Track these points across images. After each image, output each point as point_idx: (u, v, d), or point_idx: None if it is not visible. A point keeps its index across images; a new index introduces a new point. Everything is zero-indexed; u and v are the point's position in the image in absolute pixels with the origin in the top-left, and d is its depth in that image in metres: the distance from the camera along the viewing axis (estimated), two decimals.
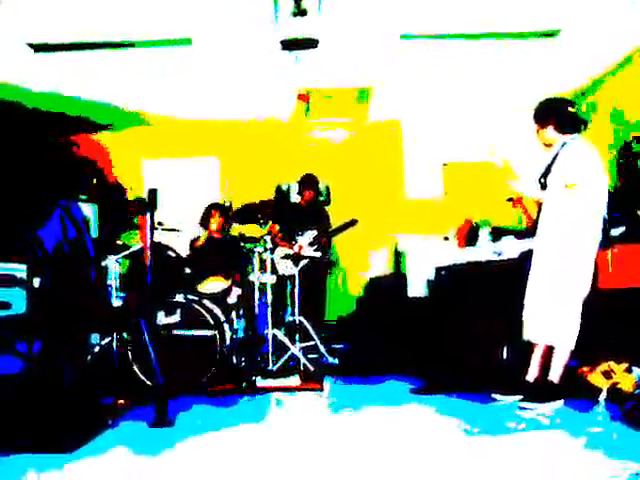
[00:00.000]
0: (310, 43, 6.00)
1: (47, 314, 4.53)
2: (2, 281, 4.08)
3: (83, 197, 6.09)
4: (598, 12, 5.77)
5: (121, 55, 6.45)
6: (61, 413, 3.69)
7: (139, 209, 4.30)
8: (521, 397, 4.30)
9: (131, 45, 6.18)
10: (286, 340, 6.01)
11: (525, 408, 4.17)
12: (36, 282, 4.52)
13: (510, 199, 6.34)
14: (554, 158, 4.45)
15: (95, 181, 7.68)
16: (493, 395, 4.51)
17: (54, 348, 4.49)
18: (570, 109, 4.51)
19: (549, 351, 4.36)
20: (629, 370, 4.30)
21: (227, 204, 6.90)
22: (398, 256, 8.48)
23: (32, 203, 4.87)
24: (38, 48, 6.17)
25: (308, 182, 7.61)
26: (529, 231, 4.78)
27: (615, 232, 4.70)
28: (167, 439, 3.61)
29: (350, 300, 8.55)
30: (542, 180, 4.48)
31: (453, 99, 8.26)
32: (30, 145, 7.26)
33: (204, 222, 6.64)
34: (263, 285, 5.94)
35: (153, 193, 4.22)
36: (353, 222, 6.97)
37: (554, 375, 4.28)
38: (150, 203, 4.21)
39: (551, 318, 4.29)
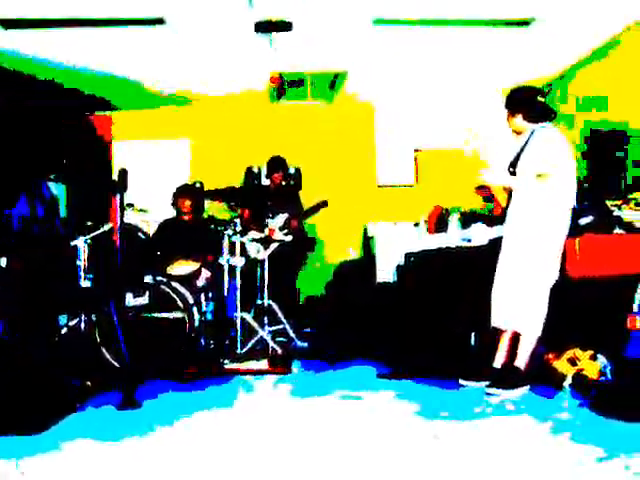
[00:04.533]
0: (284, 26, 5.98)
1: (15, 294, 4.48)
2: None
3: (52, 176, 6.00)
4: (572, 2, 5.80)
5: (93, 33, 6.35)
6: (27, 394, 3.65)
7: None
8: (488, 383, 4.34)
9: (103, 23, 6.08)
10: (255, 324, 6.00)
11: (491, 394, 4.21)
12: (3, 262, 4.47)
13: (479, 187, 6.40)
14: (523, 146, 4.48)
15: (65, 161, 7.59)
16: (460, 381, 4.55)
17: (21, 328, 4.44)
18: (540, 98, 4.55)
19: (516, 337, 4.41)
20: (594, 357, 4.35)
21: (197, 185, 6.85)
22: (367, 241, 8.50)
23: (1, 181, 4.80)
24: (8, 24, 6.06)
25: (276, 164, 7.58)
26: (499, 218, 4.82)
27: (583, 221, 4.75)
28: (134, 422, 3.60)
29: (318, 284, 8.55)
30: (511, 168, 4.51)
31: (426, 85, 8.27)
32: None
33: (174, 203, 6.59)
34: (233, 268, 5.92)
35: (123, 174, 4.18)
36: (324, 203, 6.98)
37: (520, 361, 4.33)
38: (120, 184, 4.17)
39: (518, 305, 4.34)
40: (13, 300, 4.53)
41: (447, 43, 6.78)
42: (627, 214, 4.92)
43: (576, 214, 4.44)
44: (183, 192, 6.59)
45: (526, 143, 4.46)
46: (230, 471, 2.79)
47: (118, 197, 4.14)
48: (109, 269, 4.93)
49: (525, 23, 6.19)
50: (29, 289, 4.55)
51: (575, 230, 4.46)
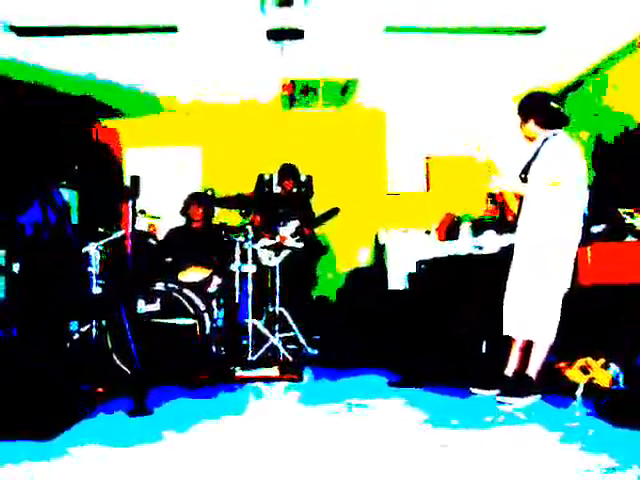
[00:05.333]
0: (296, 34, 5.99)
1: (26, 300, 4.50)
2: None
3: (63, 183, 6.03)
4: (582, 11, 5.80)
5: (105, 41, 6.39)
6: (39, 400, 3.66)
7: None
8: (499, 391, 4.33)
9: (116, 31, 6.12)
10: (266, 330, 6.01)
11: (503, 402, 4.19)
12: (15, 268, 4.49)
13: (490, 195, 6.40)
14: (535, 153, 4.47)
15: (77, 167, 7.62)
16: (471, 389, 4.54)
17: (31, 334, 4.46)
18: (553, 104, 4.52)
19: (528, 346, 4.39)
20: (606, 366, 4.34)
21: (209, 192, 6.87)
22: (379, 249, 8.50)
23: (13, 189, 4.82)
24: (21, 31, 6.09)
25: (287, 172, 7.60)
26: (510, 225, 4.81)
27: (595, 229, 4.74)
28: (145, 428, 3.61)
29: (330, 292, 8.55)
30: (523, 175, 4.50)
31: (437, 93, 8.26)
32: (10, 129, 7.19)
33: (184, 212, 6.60)
34: (244, 275, 5.93)
35: (135, 180, 4.20)
36: (335, 211, 6.98)
37: (532, 370, 4.31)
38: (132, 190, 4.18)
39: (531, 313, 4.32)
40: (25, 306, 4.56)
41: (458, 51, 6.78)
42: (639, 222, 4.90)
43: (588, 222, 4.42)
44: (194, 200, 6.60)
45: (538, 150, 4.45)
46: (240, 478, 2.78)
47: (130, 204, 4.15)
48: (120, 275, 4.94)
49: (537, 31, 6.18)
50: (40, 295, 4.57)
51: (587, 238, 4.45)
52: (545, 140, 4.44)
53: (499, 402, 4.21)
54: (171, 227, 6.61)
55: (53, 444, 3.28)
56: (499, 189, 4.63)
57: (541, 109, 4.50)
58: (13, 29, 6.03)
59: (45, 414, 3.58)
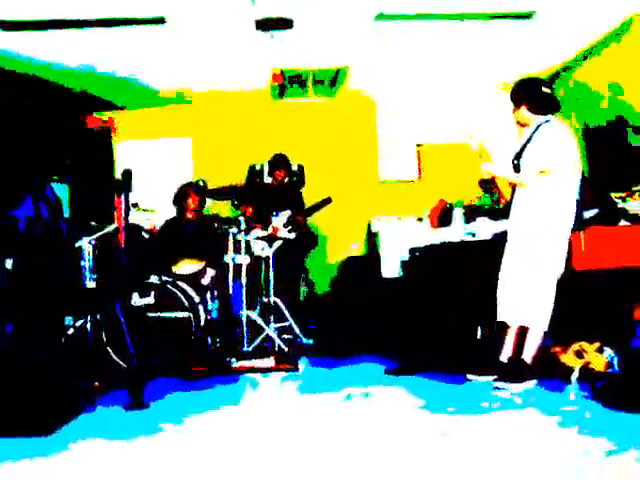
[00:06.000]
0: (285, 23, 5.97)
1: (20, 295, 4.48)
2: None
3: (55, 177, 6.00)
4: None
5: (93, 34, 6.35)
6: (35, 396, 3.66)
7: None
8: (495, 377, 4.34)
9: (103, 24, 6.08)
10: (261, 321, 6.01)
11: (499, 388, 4.21)
12: (8, 263, 4.47)
13: (483, 181, 6.40)
14: (528, 139, 4.46)
15: (68, 162, 7.59)
16: (467, 375, 4.55)
17: (27, 330, 4.45)
18: (545, 90, 4.52)
19: (522, 331, 4.40)
20: (600, 350, 4.35)
21: (201, 183, 6.85)
22: (371, 237, 8.50)
23: (5, 183, 4.80)
24: (6, 25, 6.05)
25: (278, 162, 7.59)
26: (503, 212, 4.81)
27: (588, 214, 4.75)
28: (142, 422, 3.61)
29: (323, 281, 8.55)
30: (515, 161, 4.50)
31: (428, 80, 8.26)
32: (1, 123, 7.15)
33: (179, 202, 6.55)
34: (238, 266, 5.92)
35: (128, 174, 4.18)
36: (327, 200, 6.98)
37: (527, 356, 4.32)
38: (124, 184, 4.17)
39: (524, 300, 4.33)
40: (19, 301, 4.54)
41: (449, 38, 6.77)
42: (632, 206, 4.91)
43: (581, 207, 4.42)
44: (191, 189, 6.56)
45: (531, 136, 4.45)
46: (239, 469, 2.79)
47: (123, 197, 4.14)
48: (114, 269, 4.93)
49: (527, 16, 6.17)
50: (34, 290, 4.56)
51: (580, 223, 4.45)
52: (538, 126, 4.43)
53: (496, 388, 4.23)
54: (165, 220, 6.57)
55: (51, 439, 3.28)
56: (491, 174, 4.63)
57: (533, 95, 4.50)
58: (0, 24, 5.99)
59: (42, 410, 3.58)
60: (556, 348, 4.54)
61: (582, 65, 7.37)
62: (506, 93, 4.66)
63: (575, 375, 4.26)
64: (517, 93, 4.57)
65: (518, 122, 4.60)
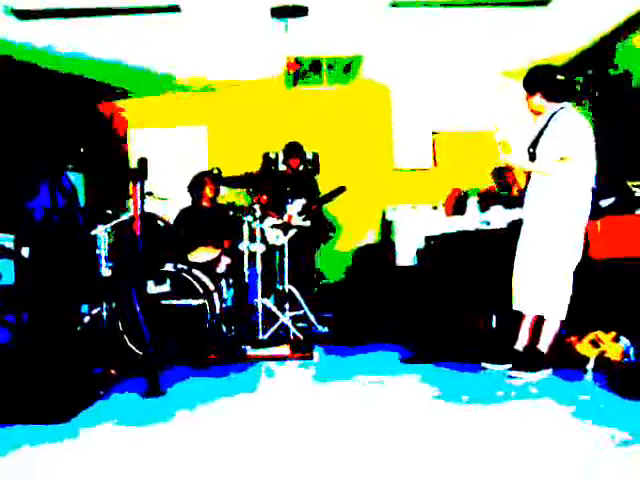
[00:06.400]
0: (300, 10, 5.95)
1: (36, 284, 4.52)
2: None
3: (70, 166, 6.03)
4: None
5: (109, 22, 6.35)
6: (52, 384, 3.69)
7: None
8: (510, 366, 4.34)
9: (118, 12, 6.08)
10: (275, 309, 6.02)
11: (514, 377, 4.21)
12: (25, 252, 4.50)
13: (496, 170, 6.37)
14: (544, 127, 4.43)
15: (83, 150, 7.62)
16: (482, 364, 4.54)
17: (43, 318, 4.49)
18: (559, 77, 4.46)
19: (538, 320, 4.39)
20: (617, 339, 4.34)
21: (216, 171, 6.86)
22: (386, 225, 8.49)
23: (21, 173, 4.83)
24: (22, 14, 6.06)
25: (293, 150, 7.58)
26: (517, 200, 4.79)
27: (605, 203, 4.72)
28: (159, 409, 3.63)
29: (338, 269, 8.56)
30: (531, 150, 4.47)
31: (443, 67, 8.22)
32: (17, 113, 7.18)
33: (195, 190, 6.58)
34: (252, 254, 5.93)
35: (143, 162, 4.19)
36: (342, 189, 6.95)
37: (543, 345, 4.31)
38: (140, 172, 4.18)
39: (542, 289, 4.31)
40: (35, 290, 4.58)
41: (464, 25, 6.72)
42: None
43: (597, 196, 4.39)
44: (208, 177, 6.58)
45: (546, 125, 4.41)
46: (253, 456, 2.80)
47: (138, 186, 4.15)
48: (130, 258, 4.95)
49: (544, 2, 6.11)
50: (50, 279, 4.59)
51: (596, 212, 4.43)
52: (553, 114, 4.40)
53: (511, 377, 4.23)
54: (181, 208, 6.60)
55: (68, 426, 3.31)
56: (510, 165, 4.60)
57: (547, 82, 4.45)
58: (14, 12, 6.00)
59: (59, 397, 3.61)
60: (572, 337, 4.53)
61: (602, 50, 7.27)
62: (518, 81, 4.61)
63: (591, 364, 4.25)
64: (531, 80, 4.51)
65: (532, 110, 4.56)
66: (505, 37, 7.17)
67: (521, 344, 4.47)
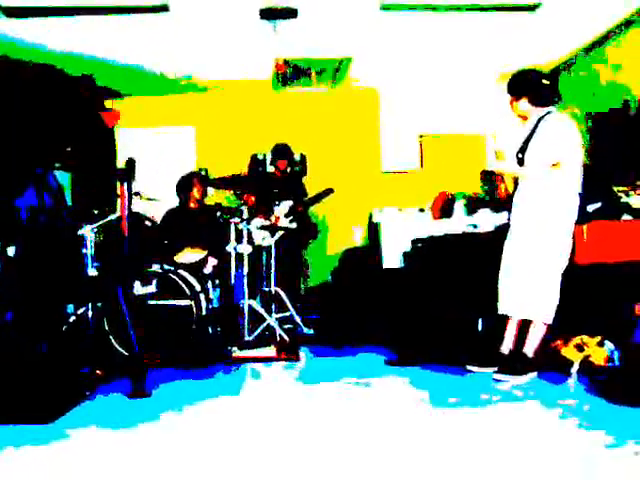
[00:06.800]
0: (289, 12, 5.95)
1: (22, 284, 4.50)
2: None
3: (57, 165, 6.00)
4: None
5: (98, 21, 6.32)
6: (37, 383, 3.67)
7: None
8: (495, 369, 4.35)
9: (106, 11, 6.05)
10: (262, 310, 6.02)
11: (500, 380, 4.22)
12: (11, 251, 4.48)
13: (485, 172, 6.39)
14: (531, 133, 4.43)
15: (69, 149, 7.58)
16: (467, 366, 4.56)
17: (27, 318, 4.46)
18: (545, 82, 4.47)
19: (523, 323, 4.41)
20: (601, 344, 4.37)
21: (203, 172, 6.86)
22: (373, 227, 8.50)
23: (7, 172, 4.80)
24: (9, 12, 6.02)
25: (280, 152, 7.58)
26: (504, 203, 4.80)
27: (591, 208, 4.74)
28: (145, 410, 3.62)
29: (324, 272, 8.55)
30: (520, 155, 4.47)
31: (431, 71, 8.23)
32: (3, 110, 7.13)
33: (183, 191, 6.57)
34: (239, 255, 5.93)
35: (131, 163, 4.19)
36: (329, 191, 6.96)
37: (529, 348, 4.33)
38: (128, 173, 4.17)
39: (529, 293, 4.32)
40: (21, 289, 4.55)
41: (453, 29, 6.73)
42: (635, 200, 4.91)
43: (584, 201, 4.41)
44: (196, 179, 6.58)
45: (534, 130, 4.42)
46: (239, 457, 2.80)
47: (126, 186, 4.14)
48: (116, 258, 4.94)
49: (532, 8, 6.14)
50: (36, 278, 4.57)
51: (583, 217, 4.45)
52: (540, 119, 4.41)
53: (496, 380, 4.24)
54: (168, 209, 6.58)
55: (52, 427, 3.30)
56: (500, 172, 4.60)
57: (533, 87, 4.45)
58: (2, 10, 5.96)
59: (43, 397, 3.59)
60: (557, 341, 4.55)
61: (589, 56, 7.31)
62: (504, 85, 4.62)
63: (575, 368, 4.28)
64: (517, 85, 4.51)
65: (518, 115, 4.56)
66: (493, 42, 7.19)
67: (507, 347, 4.49)
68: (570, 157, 4.24)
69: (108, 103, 8.90)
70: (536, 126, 4.41)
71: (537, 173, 4.32)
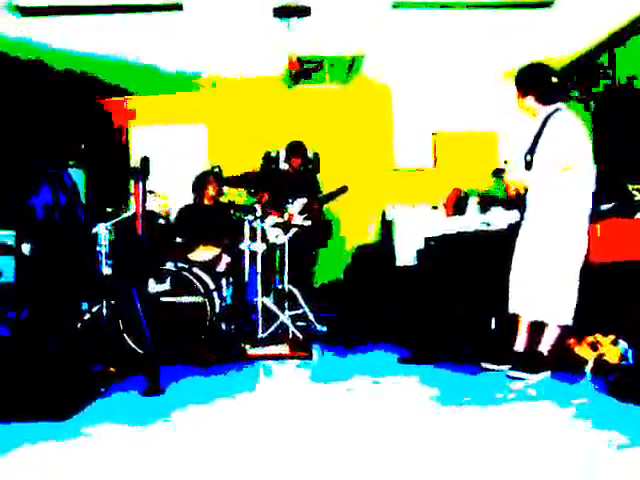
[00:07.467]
0: (302, 11, 5.95)
1: (36, 281, 4.52)
2: None
3: (71, 163, 6.03)
4: None
5: (112, 20, 6.35)
6: (52, 381, 3.70)
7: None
8: (509, 366, 4.34)
9: (120, 10, 6.08)
10: (275, 308, 6.03)
11: (514, 378, 4.21)
12: (26, 249, 4.51)
13: (497, 170, 6.37)
14: (539, 132, 4.37)
15: (83, 147, 7.63)
16: (482, 364, 4.54)
17: (42, 315, 4.49)
18: (553, 79, 4.39)
19: (537, 323, 4.38)
20: (615, 342, 4.35)
21: (217, 170, 6.88)
22: (386, 225, 8.49)
23: (22, 172, 4.83)
24: (25, 11, 6.06)
25: (295, 149, 7.58)
26: (517, 202, 4.77)
27: (605, 206, 4.72)
28: (159, 408, 3.64)
29: (339, 269, 8.56)
30: (528, 157, 4.41)
31: (444, 68, 8.22)
32: (18, 110, 7.18)
33: (198, 189, 6.59)
34: (253, 253, 5.94)
35: (145, 161, 4.20)
36: (344, 189, 6.98)
37: (543, 347, 4.31)
38: (142, 171, 4.19)
39: (542, 295, 4.29)
40: (36, 287, 4.58)
41: (466, 25, 6.72)
42: None
43: (597, 199, 4.37)
44: (213, 176, 6.60)
45: (541, 129, 4.36)
46: (252, 455, 2.81)
47: (140, 184, 4.16)
48: (131, 256, 4.96)
49: (547, 4, 6.11)
50: (51, 276, 4.59)
51: (597, 215, 4.42)
52: (547, 117, 4.34)
53: (510, 377, 4.23)
54: (181, 206, 6.60)
55: (67, 424, 3.31)
56: (516, 184, 4.54)
57: (541, 84, 4.38)
58: (17, 9, 5.99)
59: (58, 395, 3.61)
60: (570, 340, 4.53)
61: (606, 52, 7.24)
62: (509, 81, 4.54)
63: (589, 367, 4.26)
64: (524, 81, 4.44)
65: (524, 110, 4.50)
66: (508, 38, 7.16)
67: (520, 345, 4.47)
68: (579, 158, 4.19)
69: (122, 100, 8.95)
70: (544, 125, 4.34)
71: (547, 178, 4.27)
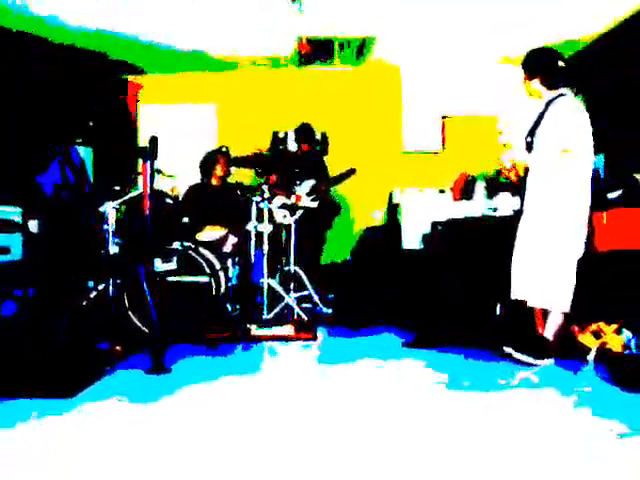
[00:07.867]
0: None
1: (43, 259, 4.55)
2: (1, 226, 4.07)
3: (79, 140, 6.03)
4: None
5: None
6: (58, 358, 3.73)
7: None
8: (516, 350, 4.33)
9: None
10: (281, 289, 6.05)
11: (519, 361, 4.21)
12: (33, 227, 4.53)
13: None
14: (540, 115, 4.37)
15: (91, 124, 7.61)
16: (505, 349, 4.48)
17: (49, 293, 4.52)
18: (560, 63, 4.36)
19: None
20: (619, 331, 4.35)
21: (224, 149, 6.86)
22: (393, 208, 8.49)
23: (31, 149, 4.84)
24: None
25: (304, 132, 7.56)
26: (522, 187, 4.76)
27: (612, 195, 4.71)
28: (164, 386, 3.67)
29: (345, 251, 8.57)
30: (529, 139, 4.41)
31: (455, 51, 8.17)
32: (26, 87, 7.16)
33: (207, 168, 6.59)
34: (259, 234, 5.95)
35: (154, 141, 4.20)
36: (352, 171, 6.96)
37: (548, 333, 4.31)
38: (150, 151, 4.19)
39: (543, 282, 4.29)
40: (43, 264, 4.61)
41: (477, 8, 6.67)
42: None
43: (604, 188, 4.36)
44: (220, 156, 6.60)
45: (544, 112, 4.35)
46: (255, 435, 2.84)
47: (148, 164, 4.17)
48: (137, 235, 4.98)
49: None
50: (59, 254, 4.62)
51: (603, 204, 4.41)
52: (550, 101, 4.34)
53: (515, 361, 4.24)
54: (189, 185, 6.60)
55: (73, 401, 3.35)
56: (512, 162, 4.54)
57: (548, 68, 4.35)
58: None
59: (64, 372, 3.65)
60: (574, 328, 4.54)
61: (610, 36, 7.18)
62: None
63: (592, 355, 4.27)
64: (531, 64, 4.43)
65: (530, 93, 4.49)
66: (518, 22, 7.10)
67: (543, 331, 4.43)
68: (578, 144, 4.16)
69: (131, 78, 8.93)
70: (546, 109, 4.34)
71: (546, 161, 4.26)
